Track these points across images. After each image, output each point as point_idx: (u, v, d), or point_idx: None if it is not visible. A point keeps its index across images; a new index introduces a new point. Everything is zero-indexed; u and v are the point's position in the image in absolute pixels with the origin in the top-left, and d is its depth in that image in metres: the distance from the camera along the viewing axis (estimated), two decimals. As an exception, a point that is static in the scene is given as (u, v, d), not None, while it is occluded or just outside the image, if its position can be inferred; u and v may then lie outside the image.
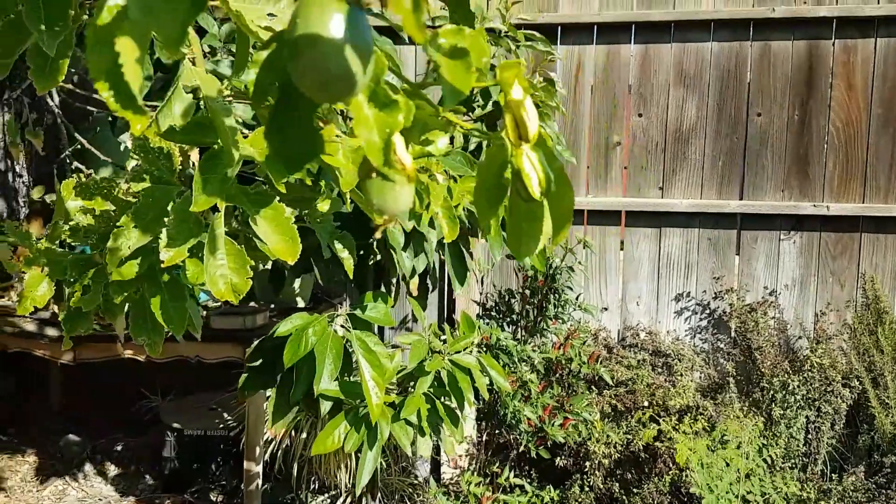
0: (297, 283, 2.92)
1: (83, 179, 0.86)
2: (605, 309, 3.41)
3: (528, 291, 2.48)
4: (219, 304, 2.84)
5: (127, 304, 0.90)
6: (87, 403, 3.69)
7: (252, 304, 2.88)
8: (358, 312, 1.88)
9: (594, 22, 3.29)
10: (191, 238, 0.74)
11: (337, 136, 0.80)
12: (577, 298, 2.57)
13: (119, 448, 3.47)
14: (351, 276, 1.08)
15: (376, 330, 2.43)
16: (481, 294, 2.83)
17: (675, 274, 3.33)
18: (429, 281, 2.37)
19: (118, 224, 0.78)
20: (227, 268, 0.75)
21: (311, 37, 0.40)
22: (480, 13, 2.42)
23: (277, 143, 0.47)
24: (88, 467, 3.31)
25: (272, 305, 2.86)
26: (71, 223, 0.94)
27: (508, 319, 2.53)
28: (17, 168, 1.29)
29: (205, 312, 2.77)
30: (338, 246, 1.00)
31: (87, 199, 0.84)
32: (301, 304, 2.94)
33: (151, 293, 0.81)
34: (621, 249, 3.40)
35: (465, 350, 2.18)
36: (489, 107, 2.29)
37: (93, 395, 3.64)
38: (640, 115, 3.33)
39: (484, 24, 2.40)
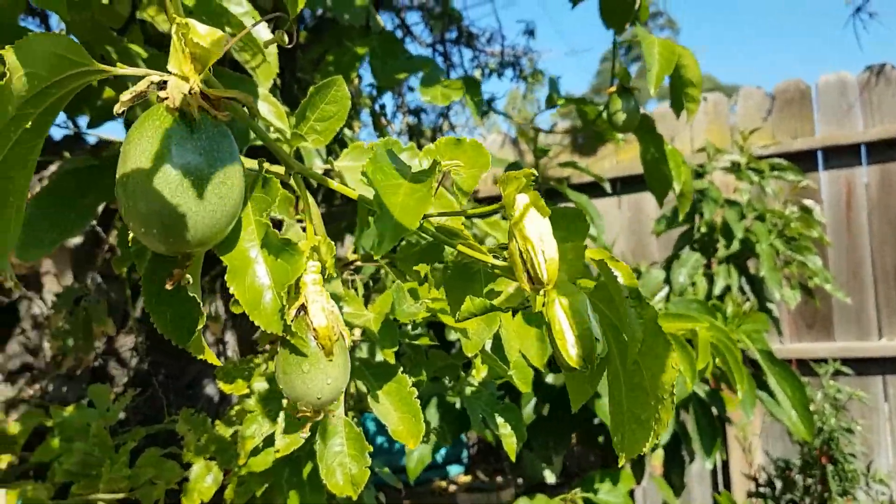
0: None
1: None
2: (933, 479, 2.69)
3: (802, 462, 2.02)
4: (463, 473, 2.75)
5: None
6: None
7: (499, 478, 2.75)
8: (591, 496, 1.65)
9: (860, 142, 2.88)
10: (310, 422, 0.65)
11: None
12: (867, 468, 2.03)
13: None
14: (513, 458, 0.90)
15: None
16: (751, 466, 2.39)
17: None
18: (684, 453, 2.04)
19: (249, 409, 0.73)
20: (347, 455, 0.64)
21: (123, 172, 0.30)
22: (713, 149, 2.22)
23: (160, 320, 0.37)
24: None
25: (519, 481, 2.69)
26: (236, 407, 0.90)
27: (788, 498, 2.06)
28: (229, 353, 1.36)
29: (454, 486, 2.70)
30: (498, 420, 0.84)
31: (227, 384, 0.80)
32: (550, 478, 2.72)
33: (289, 486, 0.72)
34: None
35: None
36: (735, 245, 2.01)
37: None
38: (938, 237, 2.76)
39: (719, 157, 2.19)
